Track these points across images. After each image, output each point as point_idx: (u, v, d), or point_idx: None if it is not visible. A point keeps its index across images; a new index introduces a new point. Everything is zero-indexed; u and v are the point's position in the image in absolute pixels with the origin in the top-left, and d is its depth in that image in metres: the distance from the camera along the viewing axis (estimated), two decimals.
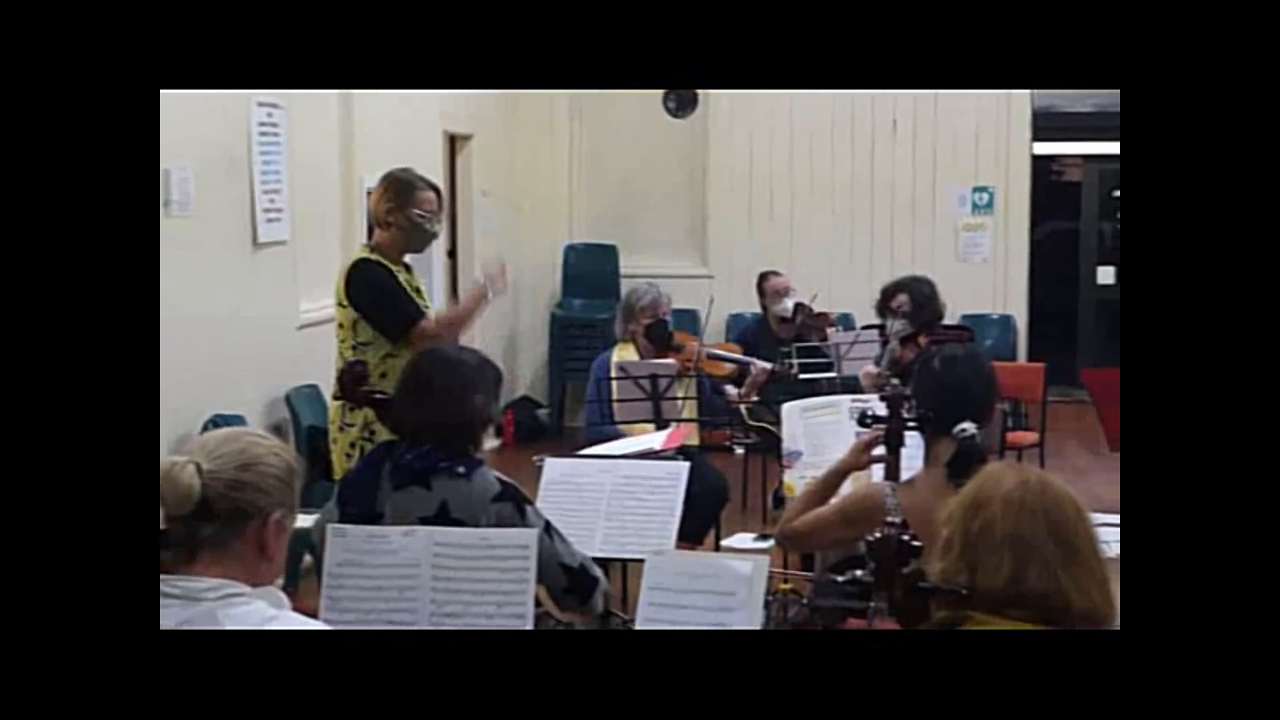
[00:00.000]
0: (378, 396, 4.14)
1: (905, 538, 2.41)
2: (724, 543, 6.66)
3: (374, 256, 4.93)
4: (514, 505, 3.47)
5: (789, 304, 8.23)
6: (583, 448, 5.64)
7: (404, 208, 4.93)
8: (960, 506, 2.49)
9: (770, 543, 6.56)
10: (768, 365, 7.14)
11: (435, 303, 8.15)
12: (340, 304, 4.91)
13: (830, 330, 7.89)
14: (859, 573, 2.42)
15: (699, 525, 6.04)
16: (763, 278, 8.68)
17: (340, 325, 4.91)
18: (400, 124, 8.45)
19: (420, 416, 3.51)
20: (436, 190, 5.07)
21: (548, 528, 3.50)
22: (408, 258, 5.09)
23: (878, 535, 2.43)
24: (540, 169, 11.26)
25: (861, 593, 2.58)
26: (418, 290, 5.04)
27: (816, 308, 8.18)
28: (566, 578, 3.50)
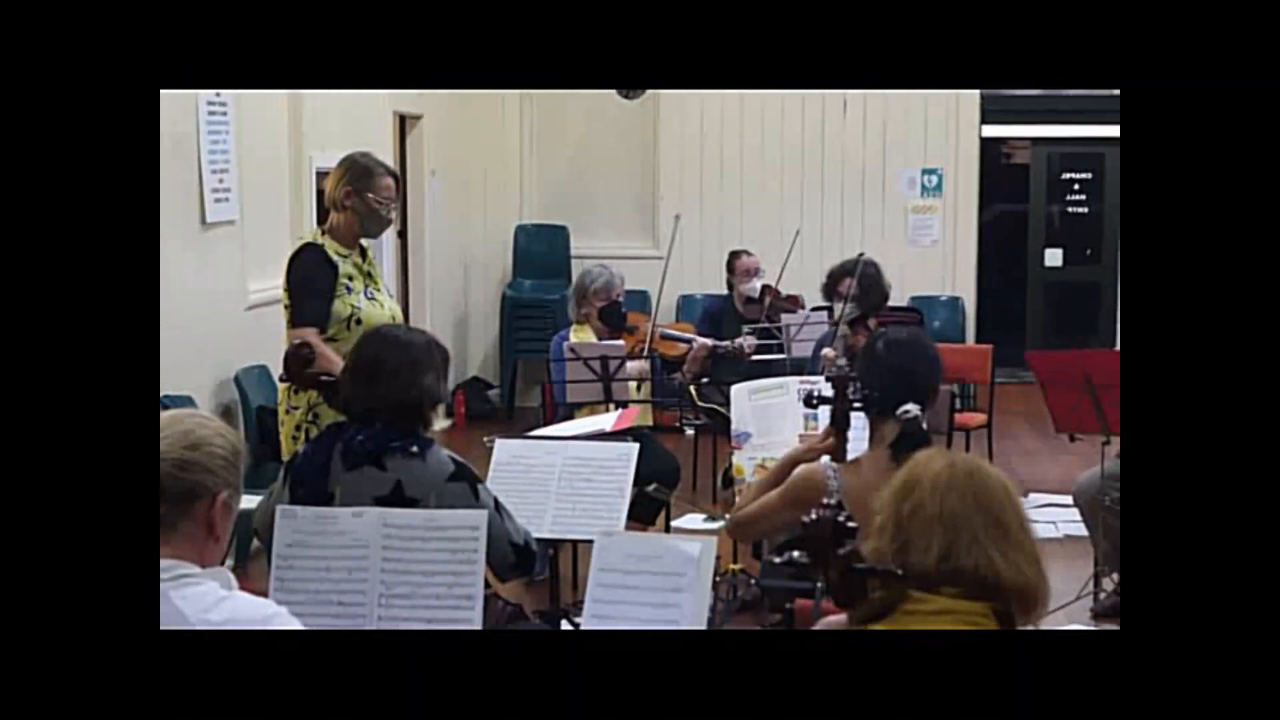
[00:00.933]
0: (324, 379, 4.13)
1: (840, 519, 2.45)
2: (674, 524, 6.69)
3: (321, 241, 4.91)
4: (468, 485, 3.50)
5: (757, 285, 8.27)
6: (531, 429, 5.67)
7: (361, 193, 4.91)
8: (891, 490, 2.56)
9: (719, 524, 6.61)
10: (708, 342, 7.16)
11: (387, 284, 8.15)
12: (284, 285, 4.91)
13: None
14: (796, 554, 2.45)
15: (650, 507, 6.08)
16: (733, 256, 8.68)
17: (285, 307, 4.90)
18: (349, 104, 8.42)
19: (371, 397, 3.52)
20: (395, 176, 5.06)
21: (496, 505, 3.54)
22: (363, 241, 5.07)
23: (813, 517, 2.46)
24: (490, 149, 11.24)
25: (800, 574, 2.61)
26: (369, 274, 5.01)
27: (784, 290, 8.22)
28: (514, 554, 3.55)
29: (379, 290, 5.01)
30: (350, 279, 4.87)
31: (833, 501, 2.48)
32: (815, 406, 3.77)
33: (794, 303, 8.05)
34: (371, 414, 3.50)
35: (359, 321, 4.79)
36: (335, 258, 4.86)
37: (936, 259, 11.07)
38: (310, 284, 4.82)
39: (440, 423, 10.24)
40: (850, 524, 2.46)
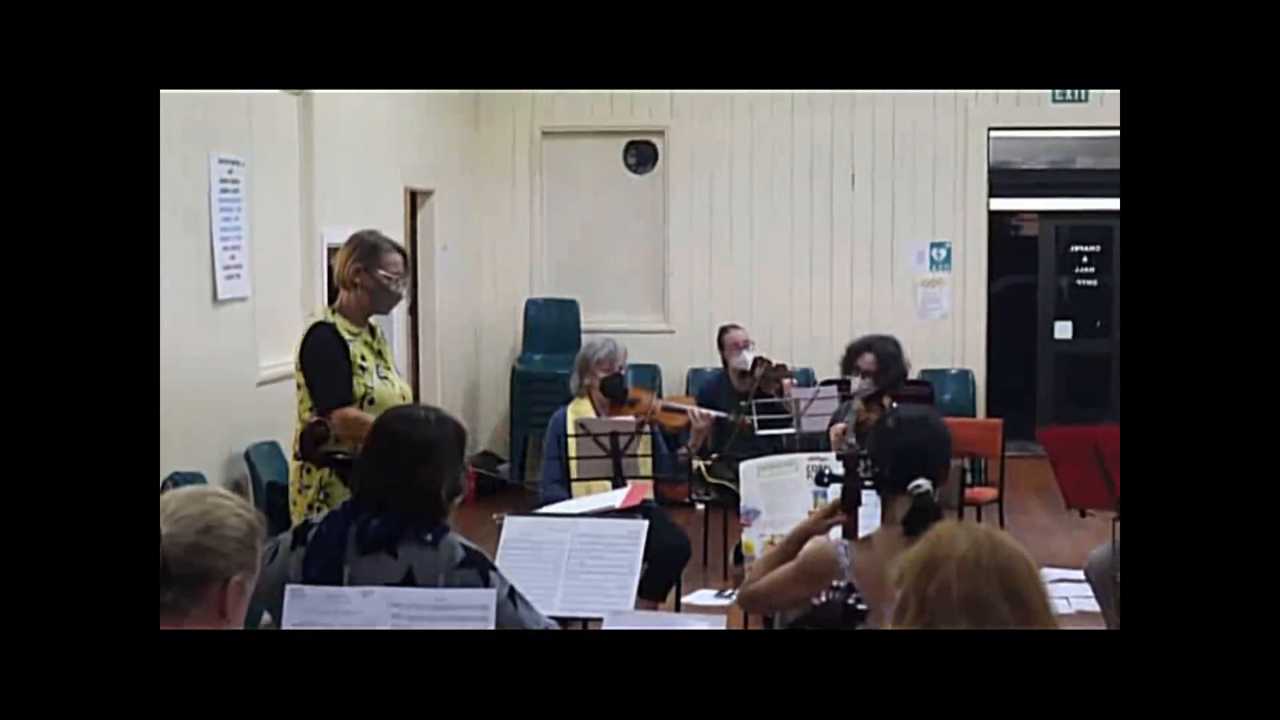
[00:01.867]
0: (339, 457, 4.13)
1: (850, 601, 2.44)
2: (685, 599, 6.68)
3: (333, 319, 4.92)
4: (478, 571, 3.44)
5: (748, 357, 8.29)
6: (541, 505, 5.66)
7: (370, 269, 4.93)
8: (913, 567, 2.52)
9: (731, 598, 6.58)
10: (711, 413, 7.15)
11: (396, 359, 8.17)
12: (297, 366, 4.92)
13: (788, 383, 7.93)
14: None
15: (660, 583, 6.06)
16: (722, 331, 8.74)
17: (298, 385, 4.91)
18: (361, 179, 8.49)
19: (387, 485, 3.49)
20: (403, 252, 5.09)
21: (512, 594, 3.48)
22: (373, 319, 5.09)
23: (823, 599, 2.45)
24: (501, 223, 11.31)
25: None
26: (379, 353, 5.03)
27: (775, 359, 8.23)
28: None
29: (389, 369, 5.02)
30: (363, 358, 4.88)
31: (843, 584, 2.47)
32: (826, 484, 3.77)
33: (782, 372, 8.06)
34: (387, 501, 3.47)
35: (372, 401, 4.79)
36: (347, 336, 4.88)
37: (946, 332, 11.09)
38: (332, 363, 4.82)
39: None
40: (860, 606, 2.45)
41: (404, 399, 4.94)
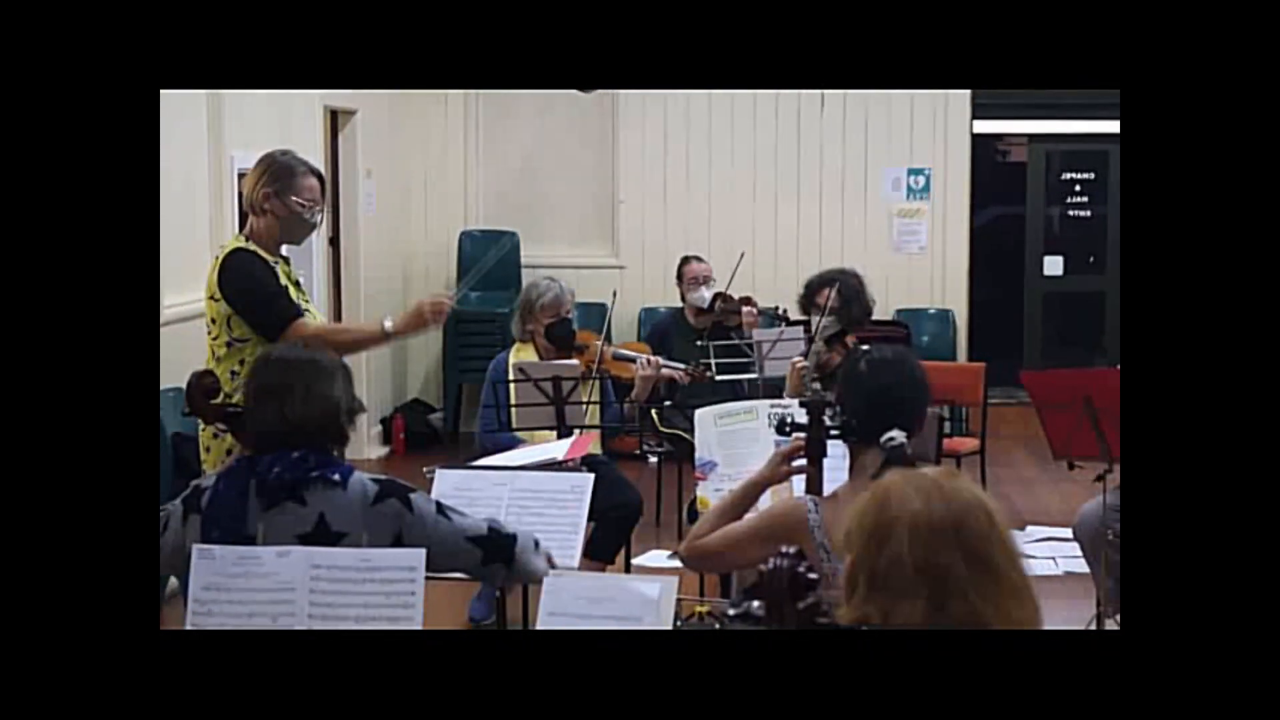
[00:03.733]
0: (230, 410, 4.11)
1: (800, 569, 2.43)
2: (636, 561, 6.72)
3: (249, 246, 4.92)
4: (398, 500, 3.51)
5: (706, 294, 8.30)
6: (477, 457, 5.66)
7: (282, 195, 4.92)
8: (861, 532, 2.48)
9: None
10: (659, 361, 7.15)
11: (314, 296, 8.14)
12: (212, 297, 4.89)
13: (749, 317, 7.93)
14: (755, 604, 2.44)
15: (609, 543, 6.09)
16: (683, 262, 8.72)
17: (212, 321, 4.90)
18: (275, 97, 8.42)
19: (281, 419, 3.52)
20: (319, 177, 5.07)
21: (440, 508, 3.57)
22: (284, 249, 5.08)
23: (770, 565, 2.45)
24: (432, 147, 11.26)
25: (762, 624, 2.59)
26: (296, 284, 5.03)
27: (737, 292, 8.24)
28: (479, 549, 3.57)
29: (308, 303, 5.03)
30: (287, 287, 4.90)
31: (791, 549, 2.46)
32: (788, 434, 3.78)
33: (745, 302, 8.07)
34: (287, 438, 3.50)
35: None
36: (269, 260, 4.89)
37: (924, 268, 11.14)
38: (266, 284, 4.86)
39: (377, 450, 10.23)
40: (811, 575, 2.44)
41: (319, 317, 5.05)
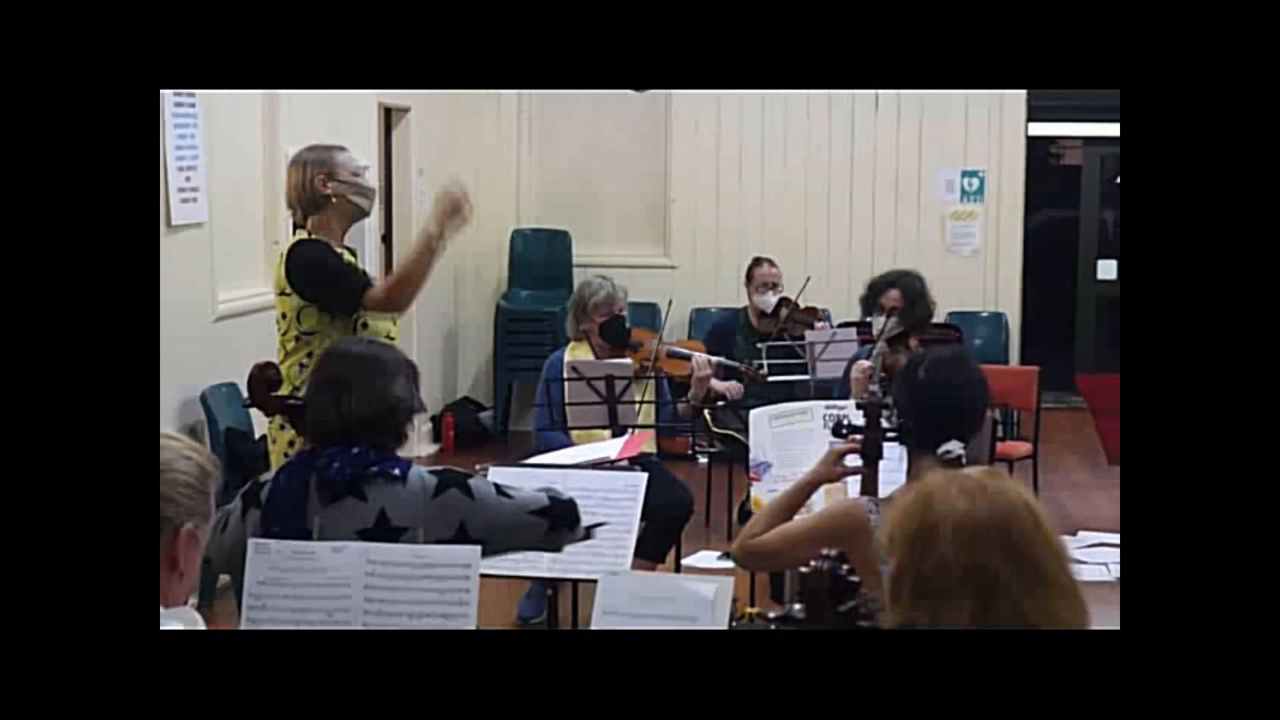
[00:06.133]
0: (291, 402, 4.14)
1: (841, 571, 2.41)
2: (685, 561, 6.71)
3: (314, 236, 4.99)
4: (458, 489, 3.52)
5: (772, 298, 8.28)
6: (530, 455, 5.67)
7: (336, 175, 5.01)
8: (904, 536, 2.45)
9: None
10: (715, 360, 7.14)
11: None
12: (282, 292, 4.95)
13: (819, 328, 7.92)
14: (796, 607, 2.42)
15: (659, 542, 6.09)
16: (754, 264, 8.66)
17: (282, 316, 4.96)
18: (329, 94, 8.44)
19: (340, 415, 3.53)
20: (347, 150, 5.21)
21: (499, 489, 3.58)
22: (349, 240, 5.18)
23: (810, 567, 2.42)
24: (485, 146, 11.27)
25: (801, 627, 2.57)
26: (363, 272, 5.12)
27: (803, 303, 8.22)
28: (545, 520, 3.59)
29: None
30: (350, 266, 4.99)
31: (833, 552, 2.43)
32: (845, 436, 3.76)
33: (813, 315, 8.05)
34: (346, 433, 3.51)
35: (365, 325, 4.94)
36: (339, 249, 5.00)
37: (977, 270, 11.08)
38: (330, 265, 4.95)
39: (427, 448, 10.25)
40: (852, 577, 2.42)
41: (395, 326, 5.10)
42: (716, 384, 7.15)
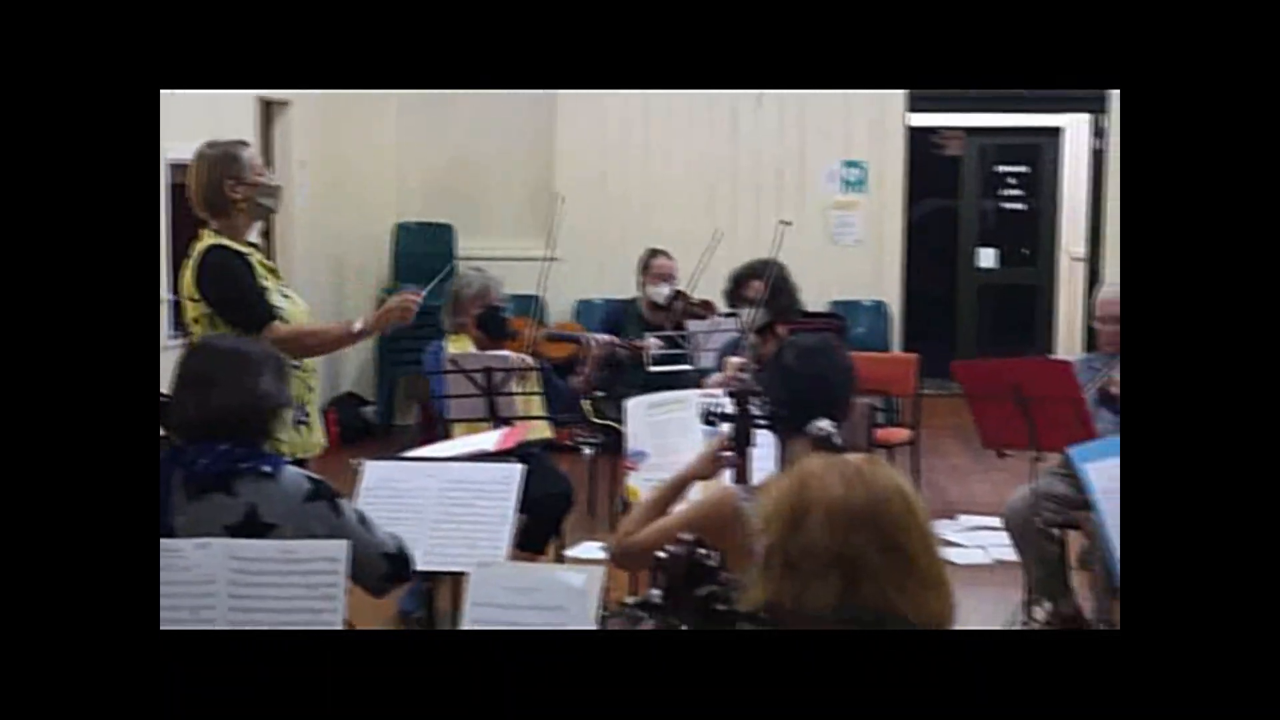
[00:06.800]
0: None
1: (698, 557, 2.42)
2: (569, 553, 6.70)
3: (223, 241, 4.93)
4: (329, 504, 3.50)
5: (666, 290, 8.28)
6: (414, 447, 5.64)
7: (242, 177, 4.98)
8: (779, 514, 2.48)
9: None
10: (606, 338, 7.15)
11: None
12: (191, 298, 4.90)
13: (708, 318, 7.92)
14: (654, 593, 2.43)
15: (539, 534, 6.08)
16: (650, 255, 8.63)
17: (194, 321, 4.91)
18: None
19: (206, 410, 3.49)
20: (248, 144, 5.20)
21: (362, 519, 3.58)
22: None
23: (668, 553, 2.43)
24: (367, 139, 11.18)
25: (657, 614, 2.57)
26: (273, 271, 5.11)
27: (696, 295, 8.24)
28: (388, 564, 3.60)
29: (288, 286, 5.13)
30: (264, 277, 4.94)
31: (690, 537, 2.44)
32: (715, 424, 3.77)
33: (707, 308, 8.05)
34: (211, 429, 3.47)
35: (285, 323, 4.92)
36: (245, 250, 4.96)
37: (859, 260, 11.16)
38: (241, 285, 4.91)
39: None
40: (710, 562, 2.43)
41: (308, 316, 5.12)
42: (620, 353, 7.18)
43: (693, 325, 7.50)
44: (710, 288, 8.67)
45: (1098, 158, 11.30)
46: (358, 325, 5.16)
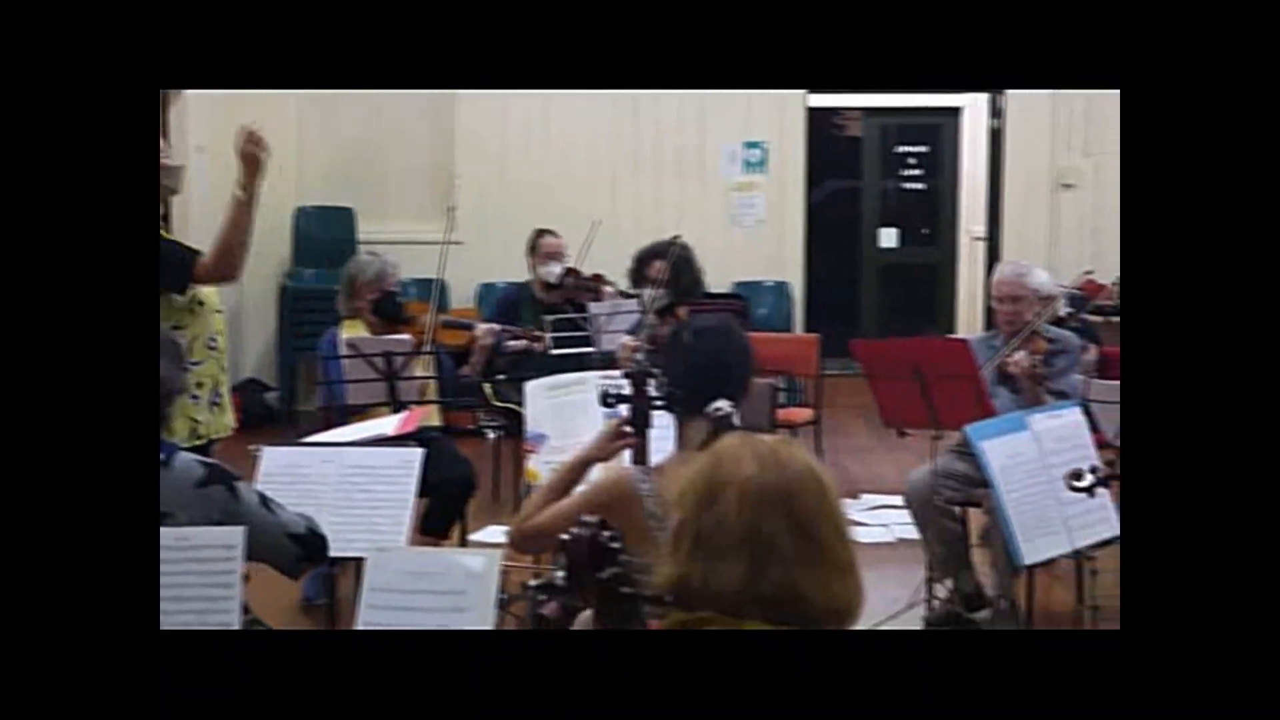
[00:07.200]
0: None
1: (602, 538, 2.42)
2: (473, 537, 6.68)
3: None
4: (224, 487, 3.47)
5: (556, 269, 8.24)
6: (316, 433, 5.59)
7: None
8: (693, 492, 2.47)
9: None
10: (493, 326, 7.13)
11: None
12: None
13: (607, 294, 7.91)
14: (557, 575, 2.42)
15: (441, 518, 6.06)
16: (537, 235, 8.58)
17: None
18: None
19: None
20: None
21: (264, 501, 3.57)
22: None
23: (571, 535, 2.43)
24: (266, 122, 11.01)
25: (560, 597, 2.57)
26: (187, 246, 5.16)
27: (588, 269, 8.21)
28: (297, 545, 3.60)
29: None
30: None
31: (593, 519, 2.44)
32: (613, 405, 3.77)
33: (599, 282, 8.03)
34: None
35: (201, 303, 5.01)
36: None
37: (761, 241, 11.20)
38: (163, 242, 4.92)
39: None
40: (614, 544, 2.43)
41: (218, 296, 5.26)
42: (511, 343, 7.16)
43: (594, 307, 7.48)
44: (605, 269, 8.69)
45: (995, 137, 11.40)
46: (238, 194, 5.20)
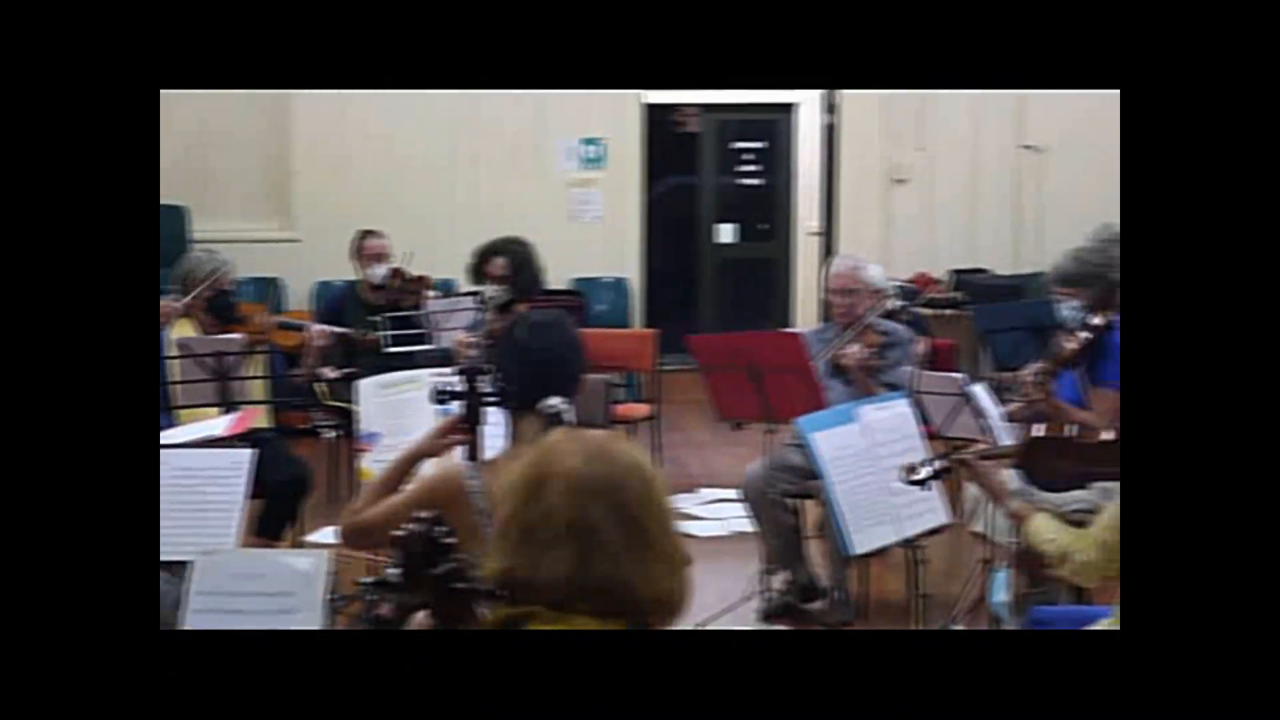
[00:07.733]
0: None
1: (435, 534, 2.42)
2: (309, 538, 6.61)
3: None
4: None
5: (381, 269, 8.20)
6: None
7: None
8: (520, 485, 2.48)
9: None
10: (325, 328, 7.08)
11: None
12: None
13: (430, 296, 7.88)
14: (391, 572, 2.42)
15: (276, 519, 5.99)
16: (361, 236, 8.55)
17: None
18: None
19: None
20: None
21: None
22: None
23: (405, 531, 2.43)
24: None
25: (394, 594, 2.57)
26: None
27: (415, 270, 8.16)
28: None
29: None
30: None
31: (426, 515, 2.44)
32: (445, 403, 3.76)
33: (424, 284, 8.01)
34: None
35: None
36: None
37: (599, 237, 11.23)
38: None
39: None
40: (447, 540, 2.43)
41: None
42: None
43: (432, 304, 7.47)
44: (444, 267, 8.65)
45: (830, 133, 11.54)
46: None
